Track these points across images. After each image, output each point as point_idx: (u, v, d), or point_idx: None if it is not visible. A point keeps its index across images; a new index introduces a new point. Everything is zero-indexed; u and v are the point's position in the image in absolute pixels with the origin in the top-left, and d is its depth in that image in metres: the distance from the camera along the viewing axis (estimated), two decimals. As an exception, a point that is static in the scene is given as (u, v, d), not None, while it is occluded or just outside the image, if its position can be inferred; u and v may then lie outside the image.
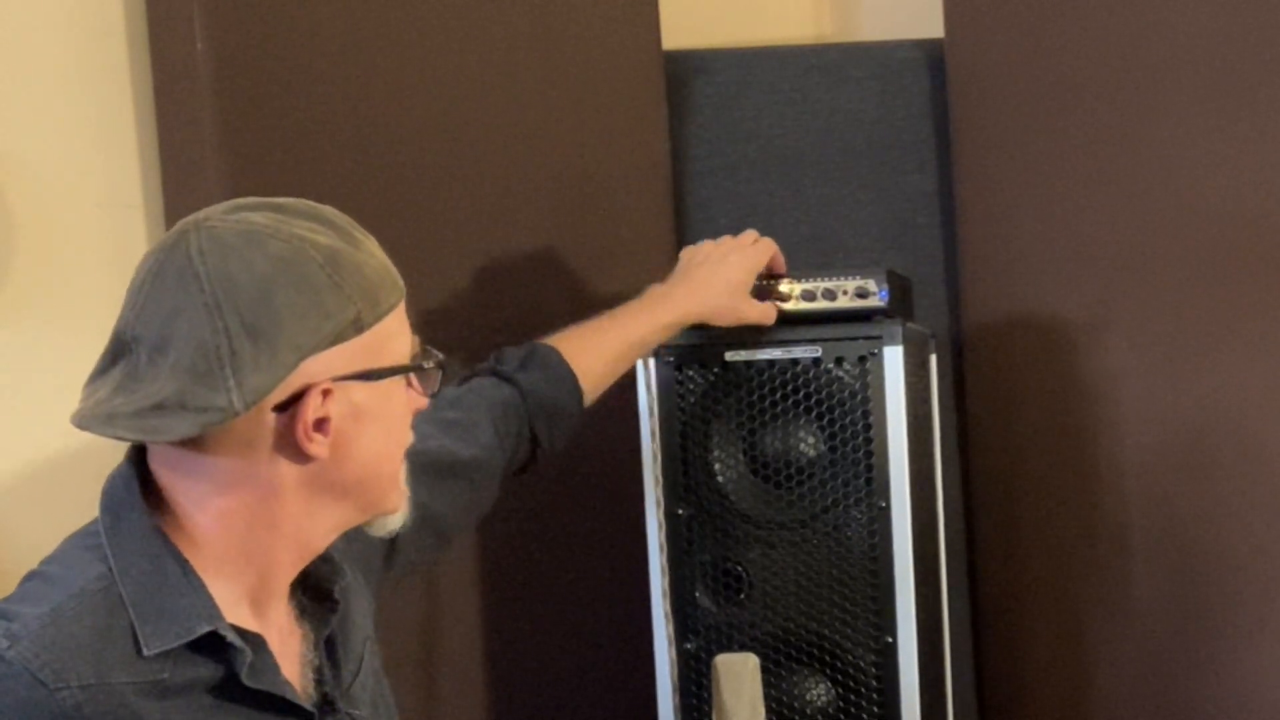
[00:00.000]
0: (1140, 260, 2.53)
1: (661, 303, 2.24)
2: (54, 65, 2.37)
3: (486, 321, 2.49)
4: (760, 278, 2.30)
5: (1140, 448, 2.54)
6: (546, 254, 2.57)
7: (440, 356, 1.65)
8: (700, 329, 2.30)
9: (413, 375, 1.62)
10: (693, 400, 2.32)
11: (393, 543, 1.85)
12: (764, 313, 2.30)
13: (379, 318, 1.57)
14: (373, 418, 1.59)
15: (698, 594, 2.33)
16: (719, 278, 2.28)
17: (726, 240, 2.32)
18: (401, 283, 1.61)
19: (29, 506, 2.30)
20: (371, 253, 1.59)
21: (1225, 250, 2.46)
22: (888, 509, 2.26)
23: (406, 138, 2.48)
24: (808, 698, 2.31)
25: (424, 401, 1.65)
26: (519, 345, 2.17)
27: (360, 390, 1.57)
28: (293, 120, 2.39)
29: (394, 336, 1.60)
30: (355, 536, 1.71)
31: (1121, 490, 2.56)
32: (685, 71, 2.72)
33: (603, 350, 2.19)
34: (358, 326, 1.55)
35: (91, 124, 2.39)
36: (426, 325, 2.40)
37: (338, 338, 1.54)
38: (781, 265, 2.33)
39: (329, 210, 1.60)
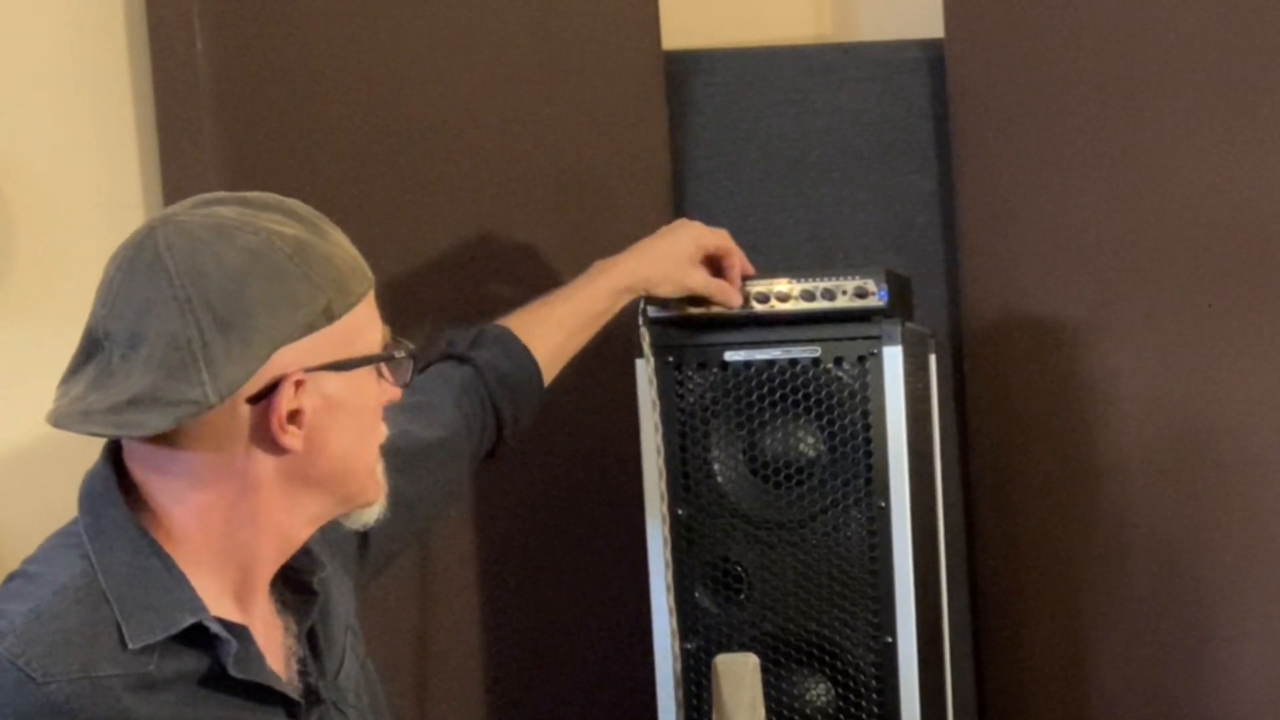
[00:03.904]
0: (1140, 260, 2.52)
1: (605, 271, 2.24)
2: (54, 65, 2.37)
3: (487, 322, 2.49)
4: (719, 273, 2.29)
5: (1140, 447, 2.54)
6: (546, 254, 2.57)
7: (411, 346, 1.65)
8: (699, 328, 2.30)
9: (384, 366, 1.63)
10: (692, 400, 2.31)
11: (364, 534, 1.85)
12: (720, 288, 2.27)
13: (349, 307, 1.58)
14: (345, 409, 1.59)
15: (697, 594, 2.33)
16: (661, 244, 2.28)
17: (683, 219, 2.32)
18: (370, 273, 1.62)
19: (30, 505, 2.30)
20: (339, 243, 1.60)
21: (1225, 250, 2.46)
22: (887, 509, 2.26)
23: (406, 137, 2.48)
24: (808, 698, 2.31)
25: (396, 393, 1.65)
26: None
27: (332, 381, 1.57)
28: (292, 120, 2.39)
29: (365, 327, 1.61)
30: (331, 527, 1.72)
31: (1121, 490, 2.56)
32: (685, 71, 2.71)
33: (551, 324, 2.20)
34: (329, 315, 1.56)
35: (91, 124, 2.39)
36: (425, 326, 2.42)
37: (309, 327, 1.55)
38: (734, 260, 2.29)
39: (295, 203, 1.61)
